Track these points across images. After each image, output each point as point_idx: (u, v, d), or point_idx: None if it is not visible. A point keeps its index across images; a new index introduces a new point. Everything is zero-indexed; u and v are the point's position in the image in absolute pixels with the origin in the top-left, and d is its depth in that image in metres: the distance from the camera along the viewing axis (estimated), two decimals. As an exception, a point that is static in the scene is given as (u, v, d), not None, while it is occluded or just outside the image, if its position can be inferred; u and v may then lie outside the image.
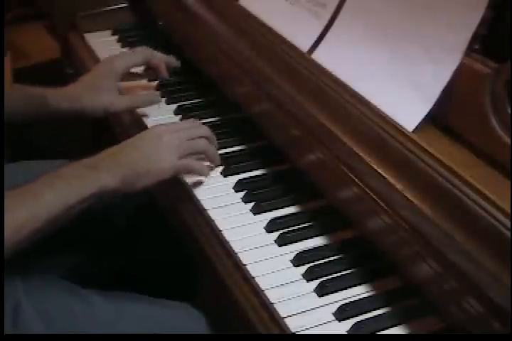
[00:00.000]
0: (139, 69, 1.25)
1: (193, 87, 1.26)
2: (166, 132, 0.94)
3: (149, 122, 1.15)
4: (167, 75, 1.20)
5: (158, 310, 0.95)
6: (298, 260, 0.87)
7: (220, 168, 1.03)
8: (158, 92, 1.21)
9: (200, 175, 0.99)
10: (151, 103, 1.16)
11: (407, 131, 0.80)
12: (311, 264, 0.86)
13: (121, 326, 0.91)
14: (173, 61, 1.21)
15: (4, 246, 0.78)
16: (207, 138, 0.99)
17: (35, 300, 0.90)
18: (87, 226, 0.94)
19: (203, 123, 1.12)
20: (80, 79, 1.14)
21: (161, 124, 1.02)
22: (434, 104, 0.82)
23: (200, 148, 0.97)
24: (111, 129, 1.29)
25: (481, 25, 0.79)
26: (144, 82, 1.25)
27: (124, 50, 1.41)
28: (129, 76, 1.21)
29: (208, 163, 1.01)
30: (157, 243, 1.22)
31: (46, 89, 1.11)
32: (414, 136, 0.79)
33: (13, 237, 0.78)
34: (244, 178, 1.01)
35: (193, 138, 0.96)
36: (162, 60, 1.19)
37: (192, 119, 1.10)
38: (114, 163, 0.89)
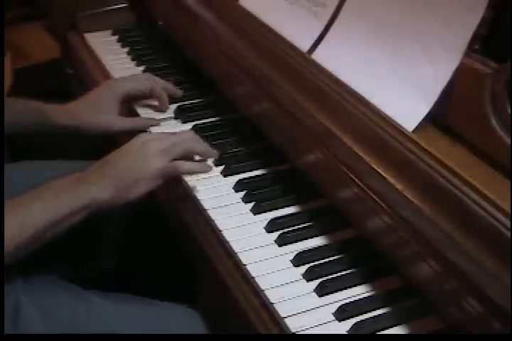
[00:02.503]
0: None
1: (193, 87, 1.26)
2: (150, 139, 0.94)
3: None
4: (168, 107, 1.19)
5: (157, 311, 0.95)
6: (298, 260, 0.87)
7: (220, 168, 1.03)
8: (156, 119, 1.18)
9: (194, 173, 0.98)
10: (149, 126, 1.15)
11: (407, 131, 0.80)
12: (311, 264, 0.86)
13: (121, 327, 0.91)
14: (176, 91, 1.21)
15: None
16: (192, 140, 0.98)
17: (36, 300, 0.90)
18: (87, 226, 0.94)
19: (203, 123, 1.12)
20: (80, 97, 1.15)
21: (146, 133, 1.02)
22: (434, 104, 0.82)
23: (187, 148, 0.96)
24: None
25: (481, 25, 0.79)
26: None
27: (124, 50, 1.42)
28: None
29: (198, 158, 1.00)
30: (157, 243, 1.22)
31: (47, 104, 1.12)
32: (414, 136, 0.79)
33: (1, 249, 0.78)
34: (244, 178, 1.01)
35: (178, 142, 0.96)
36: (165, 88, 1.18)
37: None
38: (102, 175, 0.88)
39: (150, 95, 1.19)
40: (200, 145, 0.99)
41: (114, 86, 1.16)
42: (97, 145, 1.19)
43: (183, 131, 1.04)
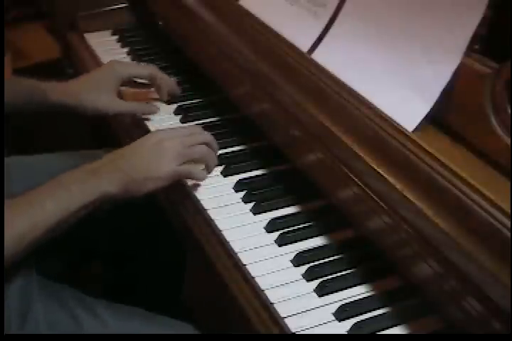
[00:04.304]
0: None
1: (193, 87, 1.26)
2: (167, 138, 0.94)
3: (149, 122, 1.15)
4: (166, 98, 1.19)
5: (160, 329, 0.94)
6: (298, 260, 0.87)
7: (220, 168, 1.03)
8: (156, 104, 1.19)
9: (199, 180, 0.99)
10: (147, 111, 1.15)
11: (407, 131, 0.80)
12: (311, 264, 0.86)
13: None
14: (176, 88, 1.21)
15: (5, 256, 0.77)
16: (207, 144, 0.99)
17: (46, 308, 0.90)
18: (86, 226, 0.94)
19: (203, 123, 1.12)
20: (81, 76, 1.15)
21: (162, 130, 1.02)
22: (434, 104, 0.82)
23: (199, 155, 0.97)
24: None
25: (481, 25, 0.79)
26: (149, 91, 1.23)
27: (124, 50, 1.42)
28: (135, 84, 1.21)
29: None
30: (157, 243, 1.22)
31: (46, 82, 1.12)
32: (414, 136, 0.79)
33: (14, 247, 0.79)
34: (245, 178, 1.01)
35: (193, 145, 0.96)
36: (166, 83, 1.18)
37: (194, 125, 1.11)
38: (114, 169, 0.89)
39: (149, 84, 1.18)
40: (212, 155, 0.99)
41: (117, 68, 1.15)
42: (96, 138, 1.19)
43: (202, 131, 1.02)
